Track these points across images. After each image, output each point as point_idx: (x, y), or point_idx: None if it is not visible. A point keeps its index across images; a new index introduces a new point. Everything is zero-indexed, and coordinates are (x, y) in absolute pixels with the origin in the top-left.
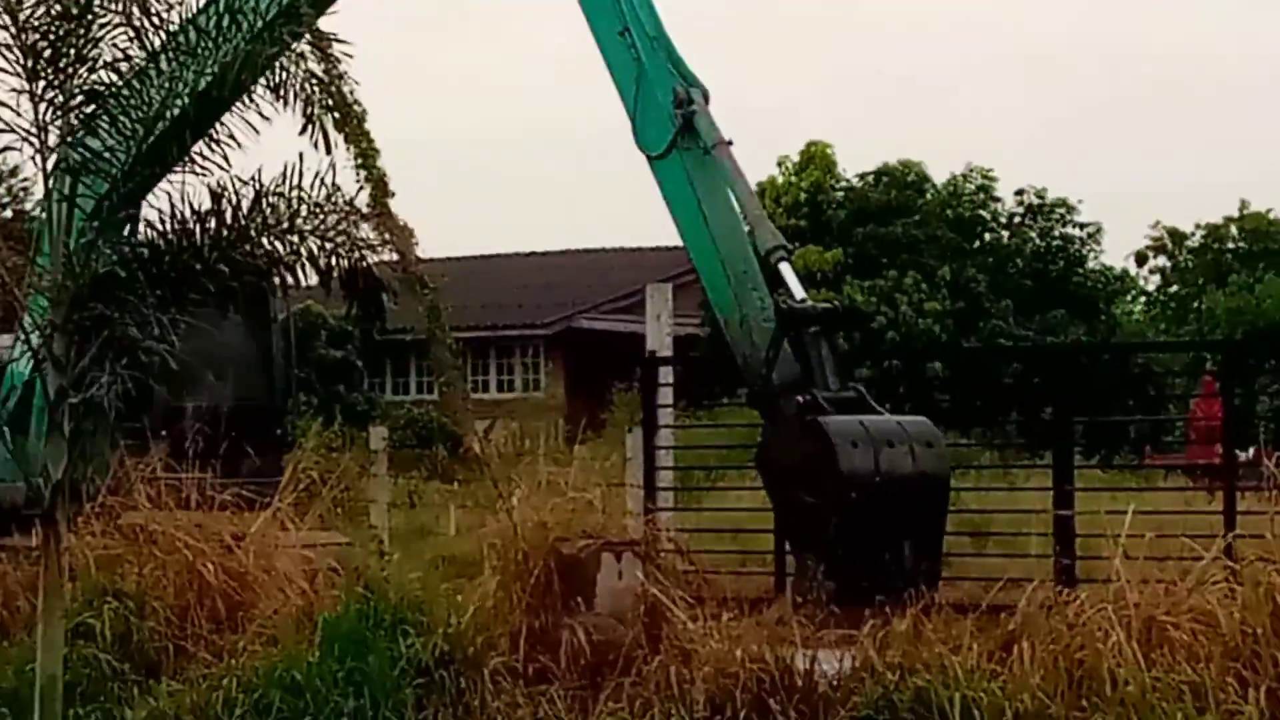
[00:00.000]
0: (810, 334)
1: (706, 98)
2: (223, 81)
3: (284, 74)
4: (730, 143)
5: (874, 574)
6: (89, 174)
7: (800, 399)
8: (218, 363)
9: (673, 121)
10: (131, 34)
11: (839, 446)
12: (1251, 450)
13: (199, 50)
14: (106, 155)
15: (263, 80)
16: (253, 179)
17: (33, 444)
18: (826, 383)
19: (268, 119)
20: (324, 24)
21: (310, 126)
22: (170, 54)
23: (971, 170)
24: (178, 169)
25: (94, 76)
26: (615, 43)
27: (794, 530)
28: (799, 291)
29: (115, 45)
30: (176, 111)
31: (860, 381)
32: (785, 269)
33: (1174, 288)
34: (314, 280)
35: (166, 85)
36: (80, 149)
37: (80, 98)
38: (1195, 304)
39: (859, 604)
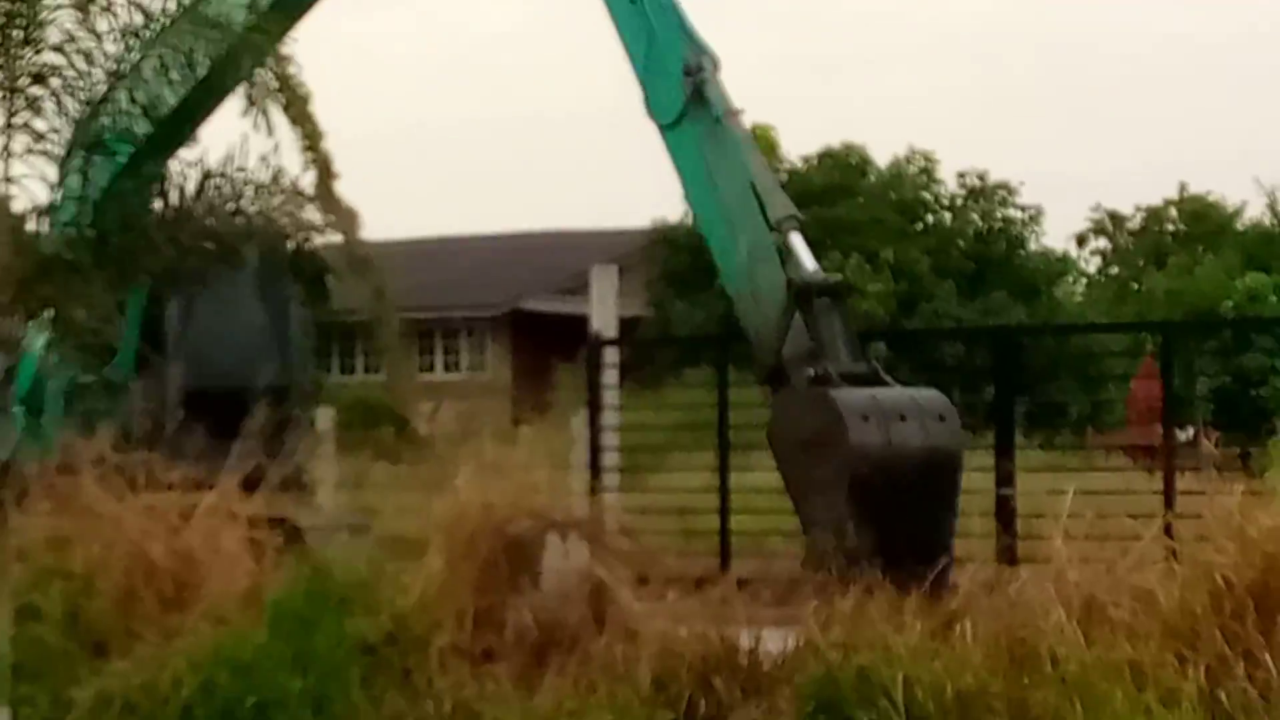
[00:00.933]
0: (822, 306)
1: (717, 65)
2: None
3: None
4: (741, 112)
5: (885, 550)
6: (34, 155)
7: (812, 372)
8: (243, 343)
9: (683, 89)
10: (79, 16)
11: (849, 420)
12: (1191, 431)
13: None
14: (50, 137)
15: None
16: (198, 161)
17: (46, 421)
18: (838, 355)
19: None
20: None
21: (254, 108)
22: (117, 37)
23: (914, 153)
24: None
25: (41, 58)
26: (627, 10)
27: (805, 507)
28: (810, 262)
29: (61, 28)
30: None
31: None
32: (796, 239)
33: (1114, 269)
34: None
35: (114, 68)
36: (25, 130)
37: (27, 79)
38: (1135, 286)
39: (869, 578)
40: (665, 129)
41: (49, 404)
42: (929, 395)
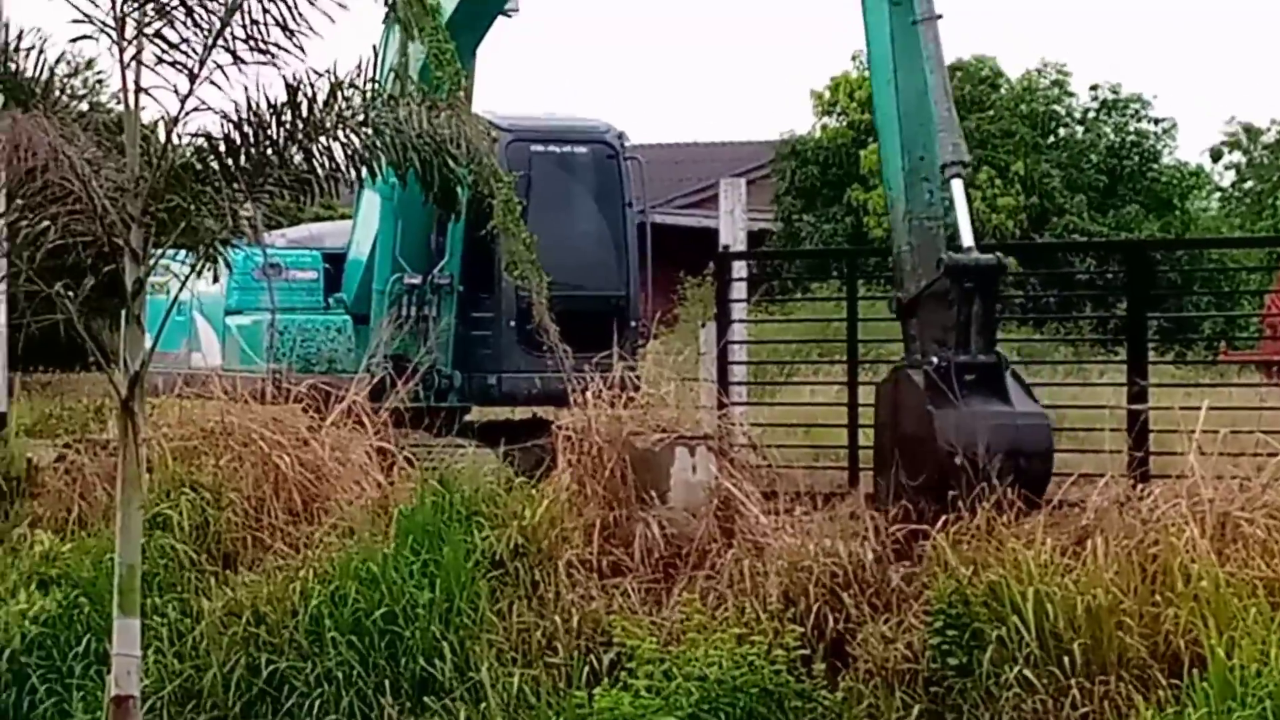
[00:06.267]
0: (966, 287)
1: None
2: None
3: None
4: (940, 17)
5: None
6: (164, 65)
7: (936, 361)
8: (568, 247)
9: None
10: None
11: (941, 448)
12: None
13: None
14: (182, 47)
15: None
16: (328, 71)
17: (375, 328)
18: (969, 344)
19: (345, 7)
20: None
21: (390, 16)
22: None
23: (1046, 65)
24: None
25: None
26: None
27: (882, 469)
28: (967, 236)
29: None
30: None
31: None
32: (957, 189)
33: (1249, 183)
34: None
35: None
36: (156, 40)
37: None
38: (1270, 199)
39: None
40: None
41: (375, 308)
42: (1033, 430)
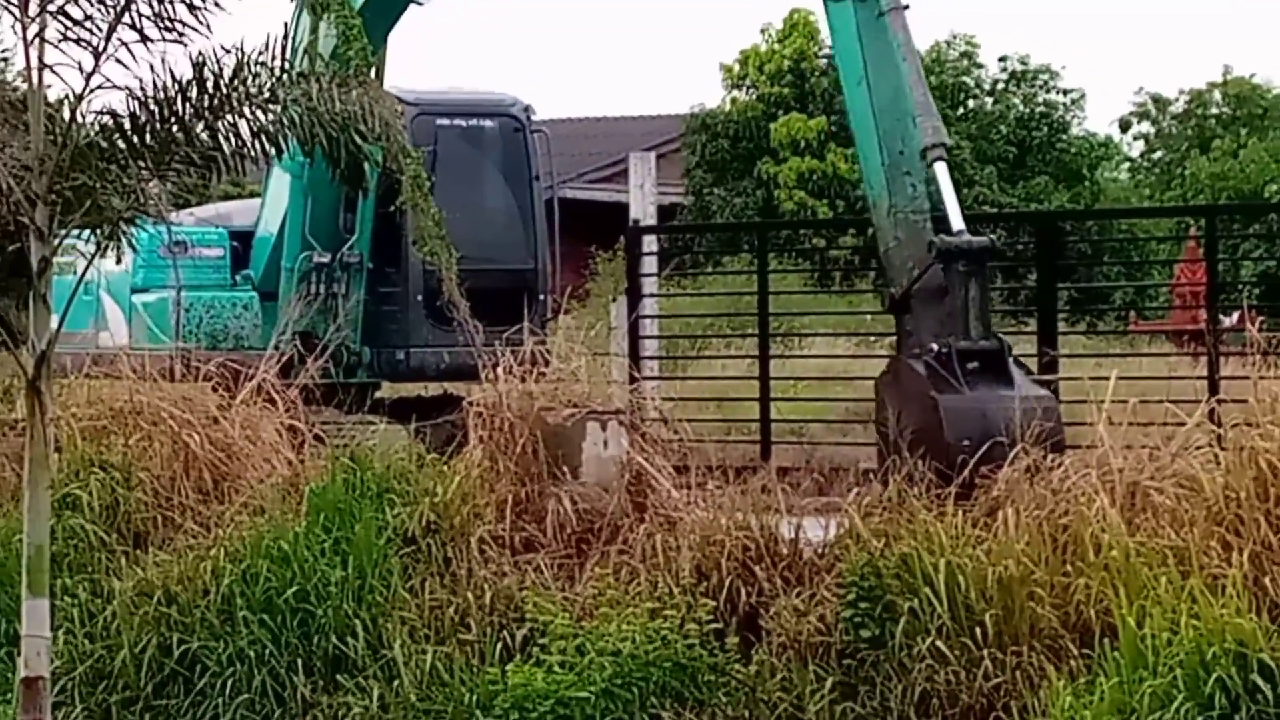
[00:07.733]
0: (960, 270)
1: None
2: None
3: None
4: (906, 7)
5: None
6: (69, 42)
7: (935, 348)
8: (475, 221)
9: None
10: None
11: (951, 441)
12: (1235, 315)
13: None
14: (86, 24)
15: None
16: (235, 48)
17: (283, 305)
18: (968, 329)
19: None
20: None
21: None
22: None
23: (955, 37)
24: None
25: None
26: None
27: (887, 451)
28: (956, 219)
29: None
30: None
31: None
32: (941, 172)
33: (1158, 154)
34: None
35: None
36: (60, 17)
37: None
38: (1179, 170)
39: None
40: (827, 1)
41: (284, 286)
42: (1041, 408)
